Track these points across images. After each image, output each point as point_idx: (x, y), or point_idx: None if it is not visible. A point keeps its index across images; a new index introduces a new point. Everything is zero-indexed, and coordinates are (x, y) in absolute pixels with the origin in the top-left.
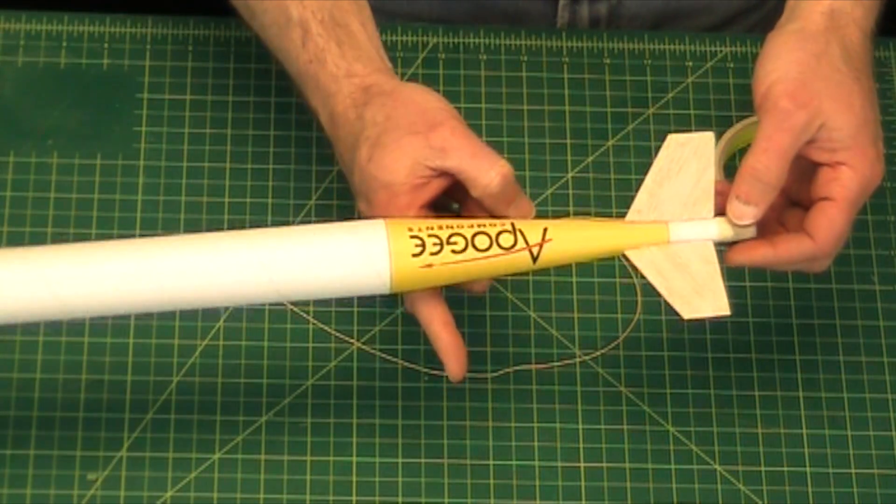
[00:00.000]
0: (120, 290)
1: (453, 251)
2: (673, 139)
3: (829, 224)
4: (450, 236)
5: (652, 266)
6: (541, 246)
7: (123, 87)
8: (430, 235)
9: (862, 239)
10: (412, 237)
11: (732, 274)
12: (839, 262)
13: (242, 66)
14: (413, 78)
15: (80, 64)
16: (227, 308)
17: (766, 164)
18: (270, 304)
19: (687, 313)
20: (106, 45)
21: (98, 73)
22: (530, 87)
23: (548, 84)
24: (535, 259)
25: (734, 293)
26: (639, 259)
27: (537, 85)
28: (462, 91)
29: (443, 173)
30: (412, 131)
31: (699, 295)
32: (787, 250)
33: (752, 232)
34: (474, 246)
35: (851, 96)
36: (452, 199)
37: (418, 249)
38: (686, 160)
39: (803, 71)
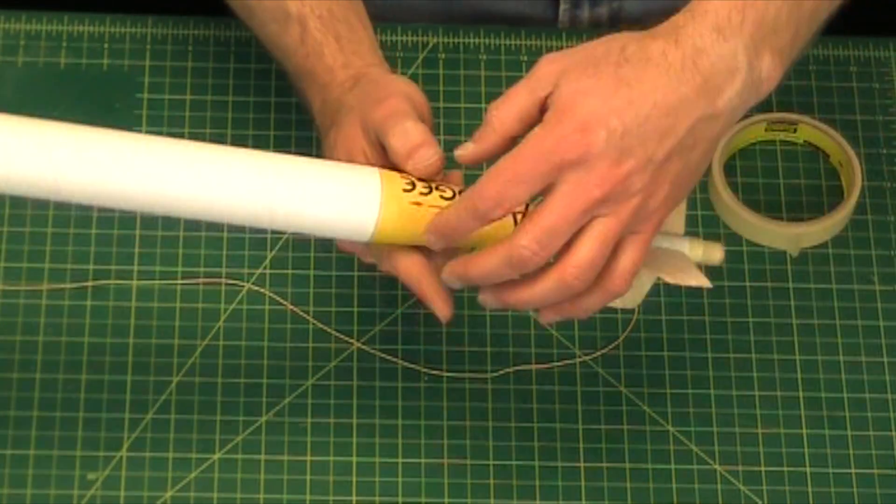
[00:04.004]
0: (123, 187)
1: (442, 196)
2: None
3: (487, 175)
4: (438, 185)
5: None
6: (524, 214)
7: (123, 87)
8: (419, 181)
9: (862, 239)
10: (403, 178)
11: (733, 274)
12: (839, 261)
13: (242, 66)
14: (413, 78)
15: (80, 64)
16: (226, 308)
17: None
18: (260, 227)
19: (673, 279)
20: (106, 45)
21: (98, 73)
22: None
23: None
24: (516, 223)
25: (734, 293)
26: None
27: None
28: (462, 91)
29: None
30: (364, 110)
31: (680, 273)
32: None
33: (719, 260)
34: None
35: (602, 73)
36: None
37: (409, 187)
38: None
39: (585, 48)
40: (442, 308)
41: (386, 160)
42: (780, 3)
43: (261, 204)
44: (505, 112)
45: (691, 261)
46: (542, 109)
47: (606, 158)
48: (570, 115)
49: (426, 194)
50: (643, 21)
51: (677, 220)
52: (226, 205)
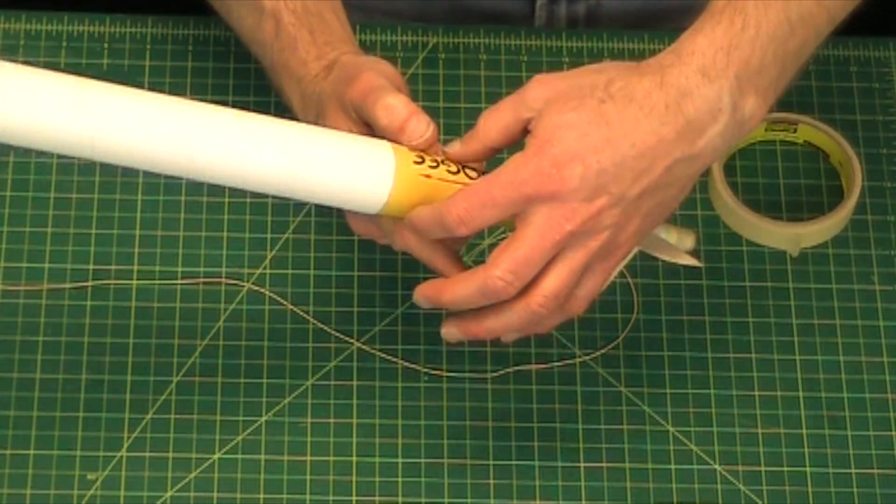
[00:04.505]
0: (155, 150)
1: (448, 171)
2: None
3: (461, 192)
4: (443, 160)
5: None
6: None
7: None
8: (427, 156)
9: (862, 239)
10: (412, 151)
11: (733, 274)
12: (839, 261)
13: (242, 66)
14: (413, 78)
15: (80, 64)
16: (226, 308)
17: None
18: (280, 194)
19: None
20: (106, 45)
21: (98, 73)
22: None
23: None
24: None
25: (734, 293)
26: None
27: None
28: (462, 91)
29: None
30: (340, 90)
31: (671, 251)
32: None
33: (690, 244)
34: (466, 173)
35: (585, 108)
36: None
37: (419, 160)
38: None
39: (569, 76)
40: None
41: (371, 136)
42: (765, 43)
43: (281, 172)
44: (490, 124)
45: (674, 245)
46: (525, 129)
47: (579, 195)
48: (549, 148)
49: (434, 167)
50: (620, 20)
51: None
52: (250, 171)
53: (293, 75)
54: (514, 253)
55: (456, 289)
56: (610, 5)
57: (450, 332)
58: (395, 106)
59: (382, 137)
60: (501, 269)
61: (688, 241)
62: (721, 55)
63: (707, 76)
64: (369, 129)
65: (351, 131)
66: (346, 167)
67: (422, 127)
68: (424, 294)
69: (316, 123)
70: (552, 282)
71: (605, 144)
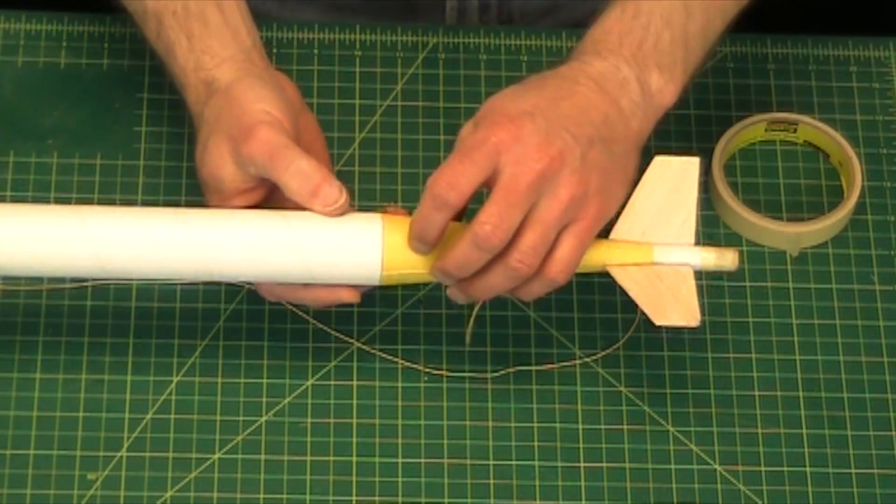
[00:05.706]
0: (161, 258)
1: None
2: (659, 160)
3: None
4: None
5: (633, 281)
6: None
7: (123, 87)
8: None
9: (862, 239)
10: (404, 217)
11: (732, 274)
12: (839, 261)
13: None
14: (413, 78)
15: (80, 64)
16: (226, 308)
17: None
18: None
19: (658, 320)
20: (106, 45)
21: (98, 73)
22: None
23: None
24: None
25: (734, 293)
26: (621, 275)
27: None
28: (462, 91)
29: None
30: (230, 136)
31: (671, 306)
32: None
33: (732, 264)
34: None
35: (516, 91)
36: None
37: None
38: (671, 182)
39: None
40: (349, 294)
41: (258, 187)
42: (660, 27)
43: (299, 268)
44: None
45: (693, 289)
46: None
47: (536, 136)
48: (494, 112)
49: None
50: (534, 3)
51: (688, 229)
52: (266, 272)
53: (177, 80)
54: (494, 199)
55: (454, 251)
56: None
57: (452, 292)
58: (307, 171)
59: (265, 191)
60: (485, 215)
61: (727, 257)
62: (613, 38)
63: (599, 55)
64: (258, 181)
65: (232, 177)
66: (337, 251)
67: (333, 192)
68: (436, 267)
69: (196, 139)
70: (527, 236)
71: (539, 100)
